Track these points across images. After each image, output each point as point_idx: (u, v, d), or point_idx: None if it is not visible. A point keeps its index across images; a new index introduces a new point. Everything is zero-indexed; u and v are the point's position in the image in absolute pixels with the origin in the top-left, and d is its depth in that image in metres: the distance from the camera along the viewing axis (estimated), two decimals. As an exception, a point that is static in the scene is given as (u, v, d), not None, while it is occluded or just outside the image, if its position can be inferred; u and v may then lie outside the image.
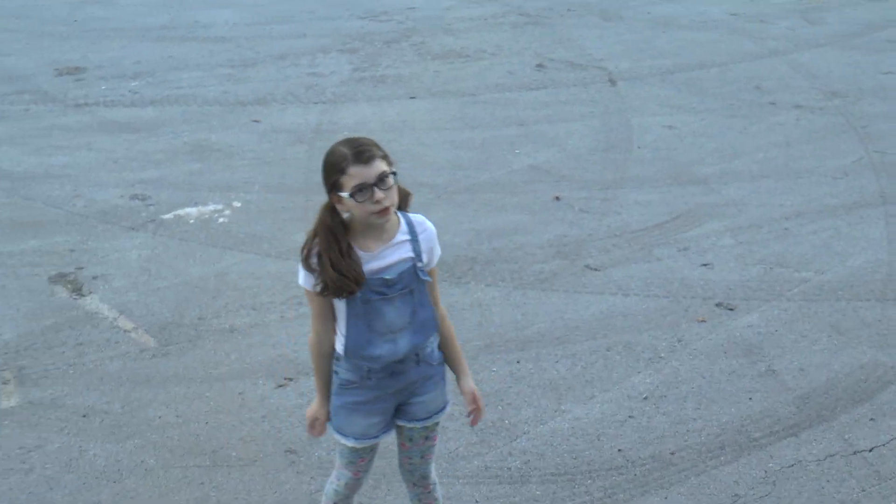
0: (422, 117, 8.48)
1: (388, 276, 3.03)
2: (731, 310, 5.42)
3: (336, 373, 3.18)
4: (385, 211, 2.93)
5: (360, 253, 3.00)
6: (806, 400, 4.63)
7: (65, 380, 4.80)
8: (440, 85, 9.39)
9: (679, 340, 5.14)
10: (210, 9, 12.40)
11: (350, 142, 2.95)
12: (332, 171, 2.92)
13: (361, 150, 2.90)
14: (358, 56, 10.34)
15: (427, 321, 3.17)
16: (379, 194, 2.89)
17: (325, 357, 3.18)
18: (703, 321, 5.31)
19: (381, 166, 2.91)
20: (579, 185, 7.11)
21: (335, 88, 9.26)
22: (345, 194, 2.89)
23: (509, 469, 4.18)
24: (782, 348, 5.06)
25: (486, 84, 9.43)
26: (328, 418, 3.26)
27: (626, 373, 4.87)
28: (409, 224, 3.10)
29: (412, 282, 3.09)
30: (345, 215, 2.98)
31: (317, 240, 3.00)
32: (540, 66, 10.01)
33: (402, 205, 3.09)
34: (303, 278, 3.02)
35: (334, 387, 3.21)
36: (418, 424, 3.29)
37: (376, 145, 2.95)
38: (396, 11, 12.32)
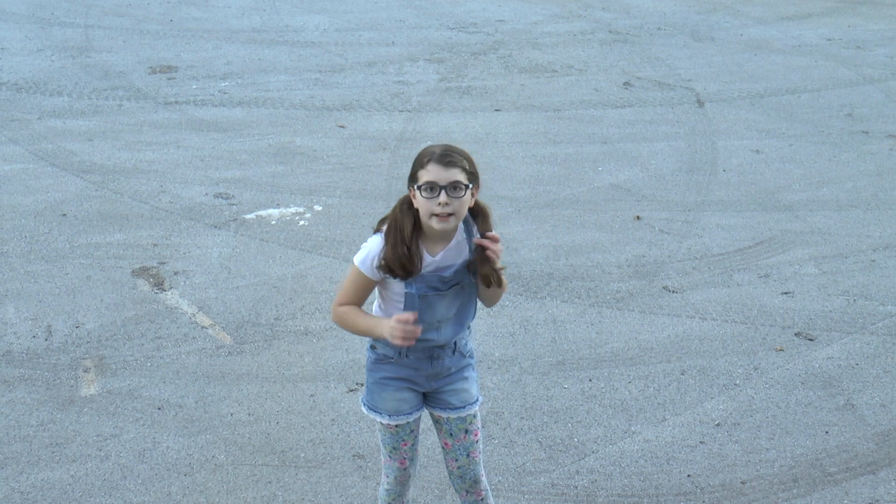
0: (506, 130, 8.48)
1: (444, 275, 3.17)
2: (810, 340, 5.31)
3: (373, 347, 3.32)
4: (444, 217, 3.05)
5: (426, 255, 3.14)
6: (886, 437, 4.51)
7: (142, 371, 4.89)
8: (525, 99, 9.38)
9: (755, 368, 5.05)
10: (302, 14, 12.57)
11: (444, 145, 3.12)
12: (416, 163, 3.09)
13: (447, 154, 3.06)
14: (445, 66, 10.38)
15: (469, 312, 3.30)
16: (444, 198, 3.01)
17: (353, 309, 3.26)
18: (780, 350, 5.21)
19: (457, 175, 3.04)
20: (661, 205, 7.04)
21: (421, 97, 9.31)
22: (416, 186, 3.05)
23: (576, 488, 4.15)
24: (863, 382, 4.94)
25: (571, 100, 9.39)
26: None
27: (700, 397, 4.80)
28: (466, 222, 3.20)
29: (464, 278, 3.21)
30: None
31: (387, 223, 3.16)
32: (627, 84, 9.94)
33: (481, 222, 3.19)
34: (360, 257, 3.17)
35: (368, 363, 3.34)
36: (454, 414, 3.36)
37: (466, 158, 3.09)
38: (485, 24, 12.34)
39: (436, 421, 3.41)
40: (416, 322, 3.10)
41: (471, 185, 3.07)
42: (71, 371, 4.88)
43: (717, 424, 4.59)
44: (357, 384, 4.81)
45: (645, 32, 12.15)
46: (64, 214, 6.56)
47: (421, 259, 3.12)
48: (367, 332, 3.25)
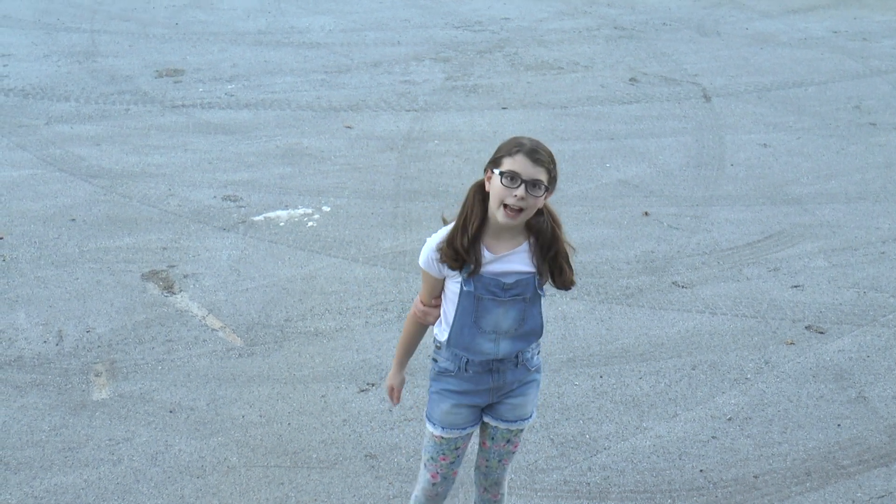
0: (513, 128, 8.47)
1: (505, 281, 3.07)
2: (821, 333, 5.30)
3: (435, 360, 3.27)
4: (515, 212, 2.98)
5: (485, 252, 3.06)
6: (898, 429, 4.50)
7: (154, 375, 4.90)
8: (532, 96, 9.37)
9: (766, 362, 5.04)
10: (307, 15, 12.58)
11: (534, 141, 3.05)
12: (503, 149, 3.03)
13: (536, 150, 3.01)
14: (451, 65, 10.38)
15: (534, 330, 3.21)
16: (522, 192, 2.96)
17: (420, 329, 3.31)
18: (791, 344, 5.20)
19: (541, 174, 2.99)
20: (669, 201, 7.03)
21: (427, 97, 9.31)
22: (497, 171, 2.98)
23: (588, 484, 4.15)
24: (875, 375, 4.93)
25: (577, 97, 9.38)
26: (402, 385, 3.42)
27: (711, 392, 4.79)
28: (540, 233, 3.13)
29: (527, 291, 3.12)
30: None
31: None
32: (633, 80, 9.93)
33: (551, 233, 3.10)
34: (421, 258, 3.15)
35: (432, 373, 3.29)
36: (503, 425, 3.33)
37: (552, 161, 3.05)
38: (490, 22, 12.34)
39: (483, 423, 3.38)
40: (472, 324, 3.10)
41: (549, 188, 3.03)
42: (82, 375, 4.89)
43: (729, 419, 4.59)
44: (368, 384, 4.81)
45: (650, 28, 12.13)
46: (73, 219, 6.58)
47: (480, 256, 3.05)
48: (397, 353, 3.41)
